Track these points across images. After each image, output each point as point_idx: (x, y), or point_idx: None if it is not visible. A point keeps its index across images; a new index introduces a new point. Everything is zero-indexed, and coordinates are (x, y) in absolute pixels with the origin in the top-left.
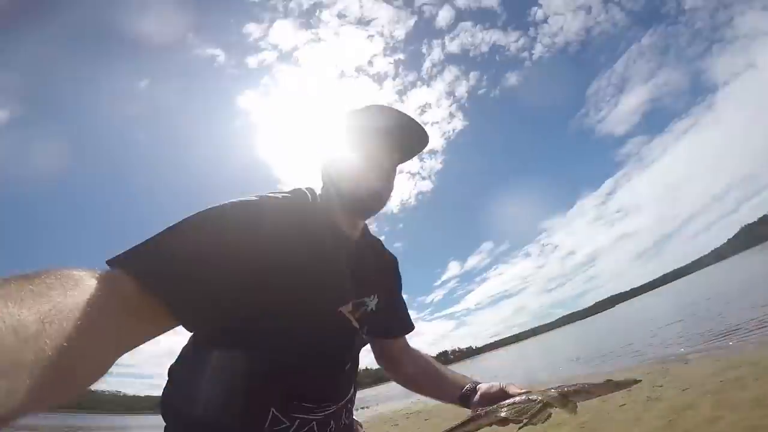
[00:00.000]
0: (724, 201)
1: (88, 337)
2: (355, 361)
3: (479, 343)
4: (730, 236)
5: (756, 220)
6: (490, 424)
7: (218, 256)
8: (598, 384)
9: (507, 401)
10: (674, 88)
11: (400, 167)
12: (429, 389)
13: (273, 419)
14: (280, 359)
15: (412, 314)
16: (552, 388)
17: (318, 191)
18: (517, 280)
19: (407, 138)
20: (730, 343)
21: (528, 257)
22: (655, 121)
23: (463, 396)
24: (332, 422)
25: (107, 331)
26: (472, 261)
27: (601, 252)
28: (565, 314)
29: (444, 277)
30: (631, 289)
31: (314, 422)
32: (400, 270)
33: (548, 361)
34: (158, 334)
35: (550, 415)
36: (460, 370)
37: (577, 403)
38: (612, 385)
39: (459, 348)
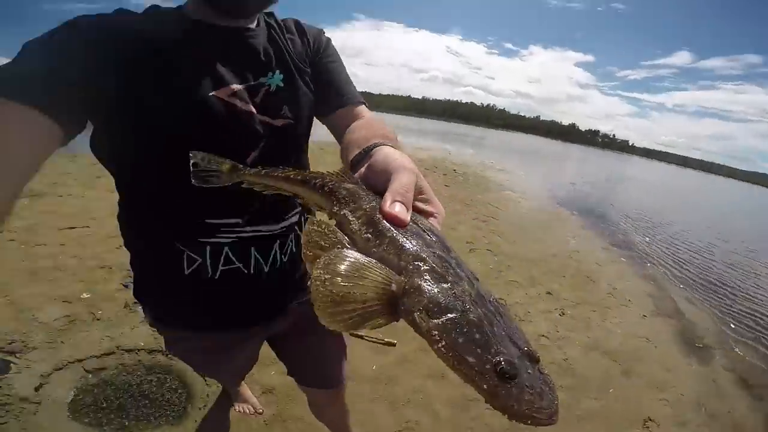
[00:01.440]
0: None
1: None
2: (271, 155)
3: (638, 143)
4: None
5: None
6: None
7: (76, 58)
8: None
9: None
10: None
11: None
12: (347, 156)
13: (183, 258)
14: (159, 175)
15: (591, 79)
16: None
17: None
18: (753, 108)
19: None
20: None
21: None
22: None
23: (354, 162)
24: (252, 249)
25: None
26: (714, 62)
27: None
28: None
29: (659, 62)
30: None
31: (227, 249)
32: (330, 43)
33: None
34: (51, 149)
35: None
36: (598, 158)
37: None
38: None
39: (614, 135)
